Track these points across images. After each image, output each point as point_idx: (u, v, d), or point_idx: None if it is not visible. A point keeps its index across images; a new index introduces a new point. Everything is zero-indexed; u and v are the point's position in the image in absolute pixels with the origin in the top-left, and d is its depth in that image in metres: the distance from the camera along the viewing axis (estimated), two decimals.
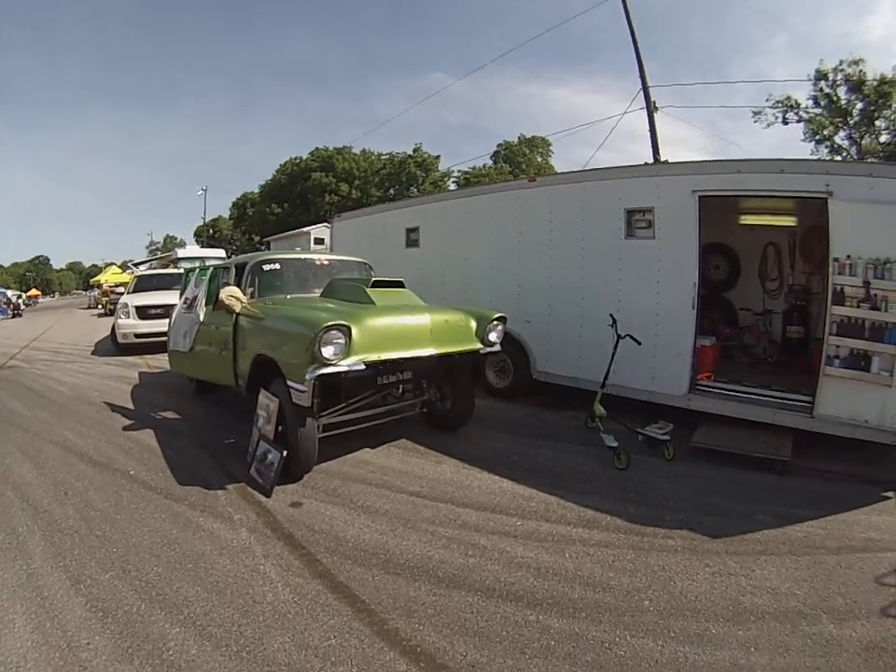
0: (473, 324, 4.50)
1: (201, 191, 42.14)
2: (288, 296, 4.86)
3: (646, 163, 5.11)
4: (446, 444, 4.74)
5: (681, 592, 2.72)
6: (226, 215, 50.83)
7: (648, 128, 9.82)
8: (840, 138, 22.58)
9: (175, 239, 57.22)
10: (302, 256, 5.58)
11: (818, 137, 22.64)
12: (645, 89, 9.88)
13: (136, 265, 21.38)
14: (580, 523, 3.43)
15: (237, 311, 4.67)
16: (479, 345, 4.48)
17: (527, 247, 5.84)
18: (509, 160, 39.09)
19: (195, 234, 47.93)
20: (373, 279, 4.59)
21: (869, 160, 18.73)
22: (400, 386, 4.71)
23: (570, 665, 2.21)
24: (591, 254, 5.28)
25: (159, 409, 6.12)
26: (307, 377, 3.57)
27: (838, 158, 20.79)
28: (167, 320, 9.37)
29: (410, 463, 4.40)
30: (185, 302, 6.01)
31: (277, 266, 5.14)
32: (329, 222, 9.94)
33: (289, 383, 3.74)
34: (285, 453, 3.81)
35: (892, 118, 20.40)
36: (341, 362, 3.63)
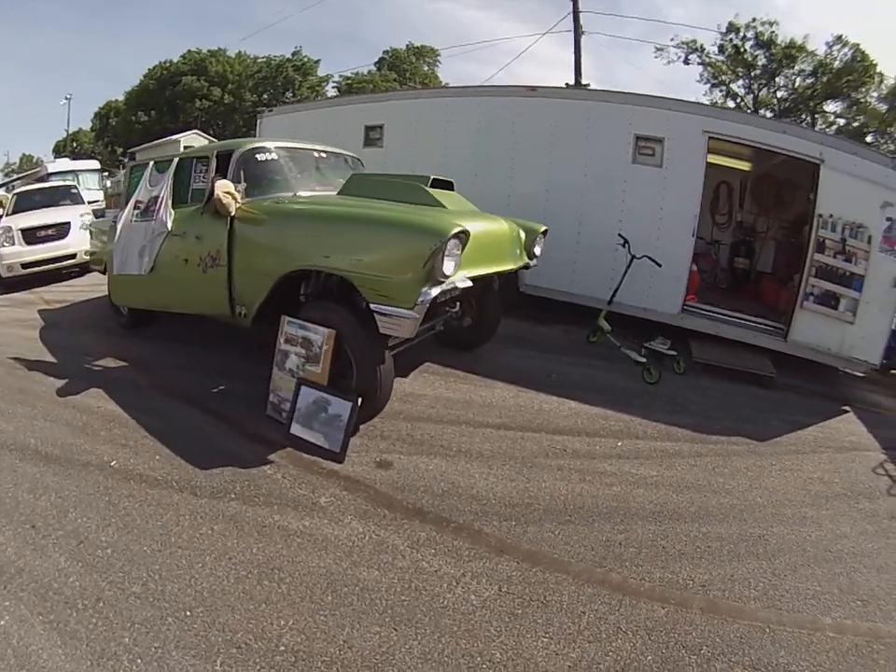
0: (523, 235, 3.60)
1: (64, 101, 32.60)
2: (299, 194, 3.25)
3: (659, 96, 4.63)
4: (474, 365, 3.91)
5: (772, 487, 2.80)
6: (87, 127, 38.95)
7: (573, 51, 9.15)
8: (737, 86, 22.27)
9: (33, 158, 42.59)
10: (298, 145, 3.74)
11: (714, 81, 22.10)
12: (575, 12, 9.01)
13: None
14: (661, 436, 3.21)
15: (232, 213, 3.00)
16: (527, 260, 3.64)
17: (522, 157, 4.97)
18: (394, 67, 34.25)
19: (53, 150, 37.30)
20: (432, 177, 3.24)
21: (763, 112, 19.63)
22: (456, 304, 3.68)
23: (757, 560, 2.21)
24: (594, 172, 4.70)
25: (91, 356, 3.92)
26: (420, 300, 2.41)
27: (731, 104, 21.13)
28: (61, 242, 6.79)
29: (460, 391, 3.54)
30: (136, 207, 3.74)
31: (273, 156, 3.36)
32: (199, 129, 7.31)
33: (379, 307, 2.50)
34: (360, 401, 2.62)
35: (793, 78, 20.78)
36: (450, 280, 2.55)
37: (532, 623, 1.79)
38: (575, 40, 9.23)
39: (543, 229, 3.72)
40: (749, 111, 18.22)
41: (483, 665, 1.63)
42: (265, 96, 32.53)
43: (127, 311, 4.38)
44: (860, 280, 3.95)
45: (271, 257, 2.94)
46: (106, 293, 4.80)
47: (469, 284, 2.69)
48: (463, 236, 2.50)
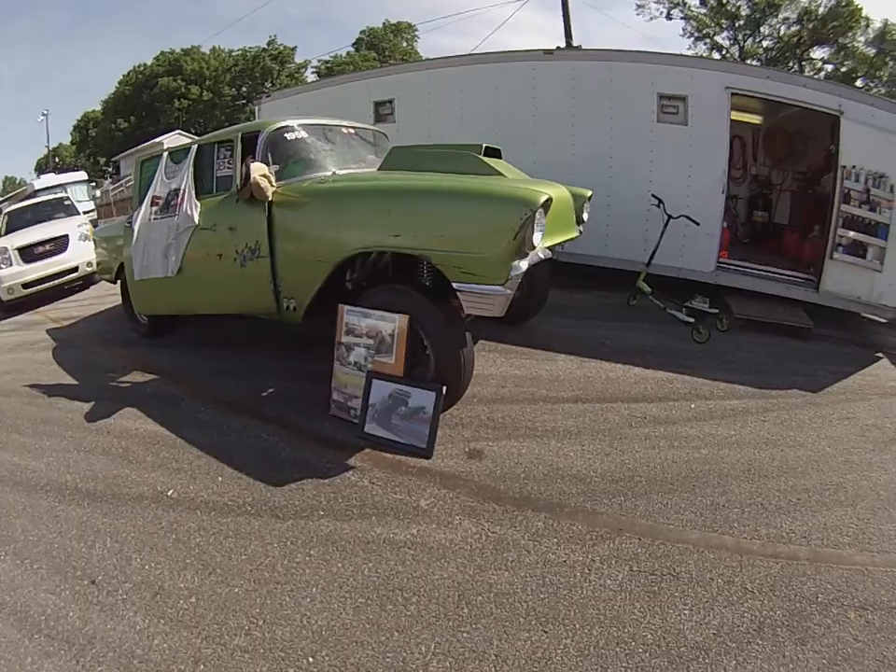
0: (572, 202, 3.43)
1: (41, 118, 31.97)
2: (336, 171, 3.00)
3: (681, 54, 4.53)
4: (528, 338, 3.79)
5: (836, 436, 2.84)
6: (67, 141, 38.34)
7: (562, 13, 8.77)
8: (722, 38, 22.04)
9: (15, 179, 42.28)
10: (325, 122, 3.41)
11: (699, 35, 21.96)
12: None
13: None
14: (727, 395, 3.19)
15: (269, 197, 2.75)
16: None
17: (544, 122, 4.79)
18: (373, 46, 33.47)
19: (36, 168, 37.04)
20: (485, 145, 3.00)
21: (750, 62, 19.18)
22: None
23: (842, 508, 2.27)
24: (619, 134, 4.55)
25: (115, 373, 3.61)
26: (512, 274, 2.23)
27: (717, 55, 20.61)
28: (62, 256, 6.43)
29: (524, 366, 3.43)
30: (154, 204, 3.35)
31: (303, 134, 3.08)
32: (181, 129, 6.78)
33: (464, 286, 2.31)
34: (445, 389, 2.46)
35: (777, 26, 20.61)
36: (535, 251, 2.38)
37: (671, 598, 1.75)
38: (563, 3, 8.84)
39: (589, 194, 3.53)
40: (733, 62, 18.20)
41: (639, 650, 1.57)
42: (244, 89, 32.31)
43: (146, 319, 4.07)
44: (885, 228, 3.96)
45: (324, 241, 2.70)
46: (117, 303, 4.49)
47: (550, 255, 2.55)
48: (548, 204, 2.33)
